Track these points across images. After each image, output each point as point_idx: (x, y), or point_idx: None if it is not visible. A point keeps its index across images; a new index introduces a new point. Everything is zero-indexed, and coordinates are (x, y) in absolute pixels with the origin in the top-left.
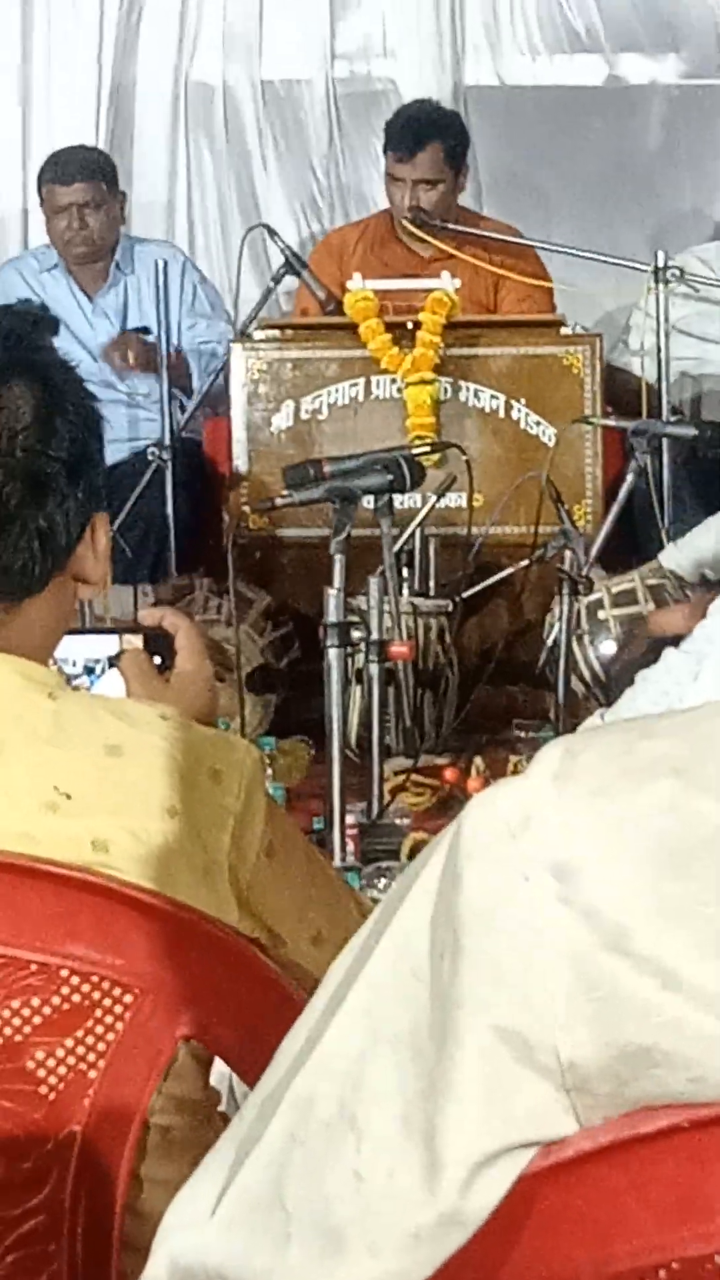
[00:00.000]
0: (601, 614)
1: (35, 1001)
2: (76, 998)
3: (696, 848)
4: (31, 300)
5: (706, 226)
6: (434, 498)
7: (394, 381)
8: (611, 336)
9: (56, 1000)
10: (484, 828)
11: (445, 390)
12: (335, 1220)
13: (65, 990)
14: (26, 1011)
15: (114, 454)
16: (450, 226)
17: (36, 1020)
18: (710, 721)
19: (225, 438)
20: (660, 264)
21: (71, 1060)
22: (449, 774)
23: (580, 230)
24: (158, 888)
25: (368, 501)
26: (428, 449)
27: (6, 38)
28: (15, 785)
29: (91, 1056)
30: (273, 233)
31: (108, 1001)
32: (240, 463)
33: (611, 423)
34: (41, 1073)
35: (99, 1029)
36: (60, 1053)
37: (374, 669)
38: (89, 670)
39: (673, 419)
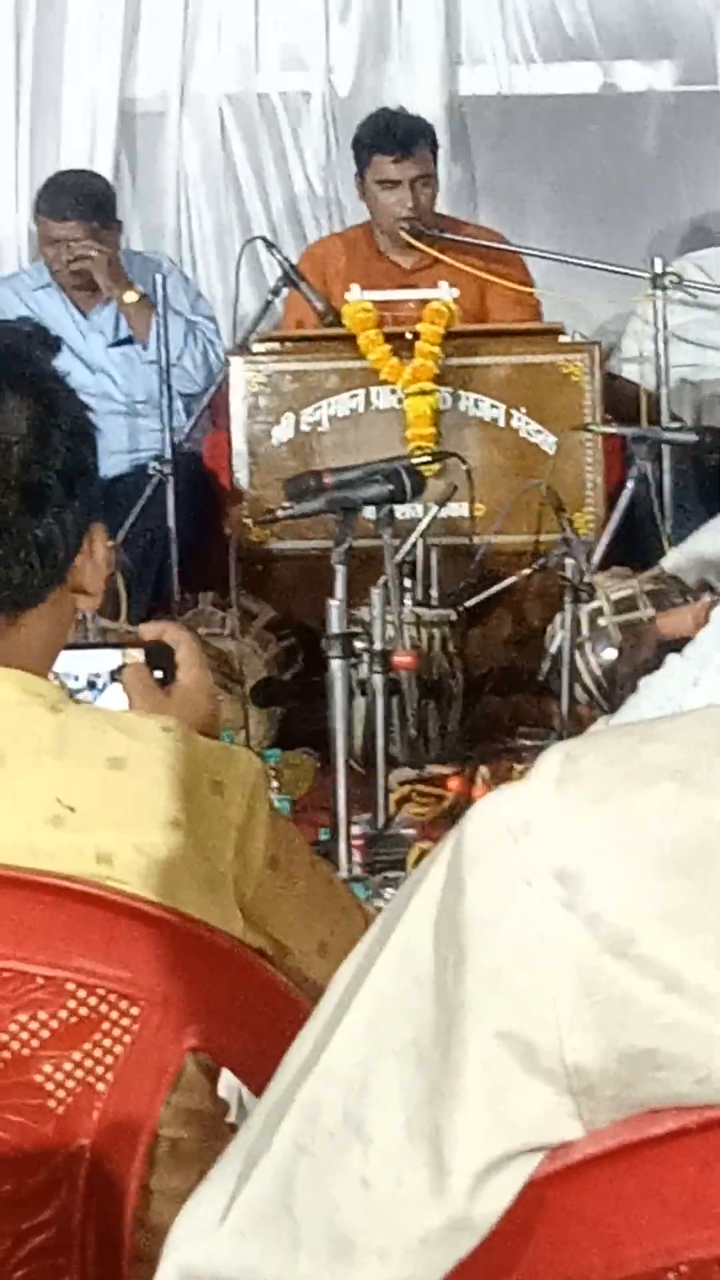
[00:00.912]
0: (602, 621)
1: (42, 1015)
2: (83, 1011)
3: (698, 851)
4: (29, 318)
5: (703, 233)
6: (435, 508)
7: (394, 392)
8: (609, 344)
9: (63, 1014)
10: (486, 834)
11: (445, 400)
12: (344, 1227)
13: (72, 1003)
14: (34, 1025)
15: (114, 466)
16: (446, 235)
17: (44, 1034)
18: (711, 725)
19: (225, 451)
20: (658, 271)
21: (79, 1073)
22: (454, 784)
23: (576, 238)
24: (162, 900)
25: (369, 512)
26: (428, 459)
27: (5, 56)
28: (19, 799)
29: (99, 1069)
30: (270, 245)
31: (114, 1014)
32: (241, 476)
33: (612, 430)
34: (50, 1086)
35: (106, 1042)
36: (68, 1066)
37: (377, 680)
38: (91, 685)
39: (673, 425)
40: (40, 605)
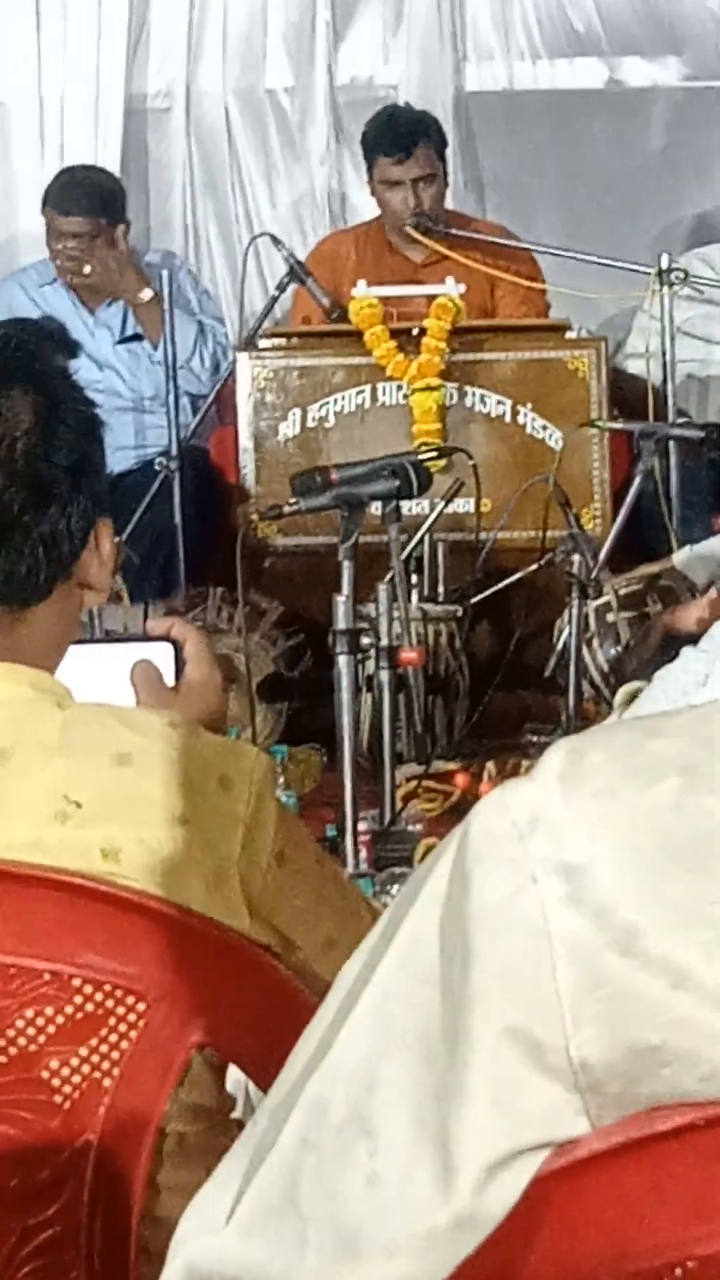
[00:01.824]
0: (610, 617)
1: (49, 1011)
2: (90, 1006)
3: (704, 846)
4: (53, 319)
5: (709, 228)
6: (441, 503)
7: (400, 388)
8: (613, 340)
9: (69, 1009)
10: (491, 829)
11: (451, 396)
12: (350, 1224)
13: (78, 999)
14: (40, 1021)
15: (121, 462)
16: (454, 231)
17: (50, 1030)
18: (717, 720)
19: (232, 447)
20: (664, 266)
21: (86, 1069)
22: (461, 780)
23: (582, 233)
24: (168, 896)
25: (375, 508)
26: (434, 455)
27: (25, 58)
28: (25, 795)
29: (106, 1065)
30: (277, 241)
31: (121, 1010)
32: (248, 471)
33: (618, 426)
34: (56, 1082)
35: (113, 1037)
36: (74, 1062)
37: (384, 675)
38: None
39: (679, 421)
40: (46, 601)
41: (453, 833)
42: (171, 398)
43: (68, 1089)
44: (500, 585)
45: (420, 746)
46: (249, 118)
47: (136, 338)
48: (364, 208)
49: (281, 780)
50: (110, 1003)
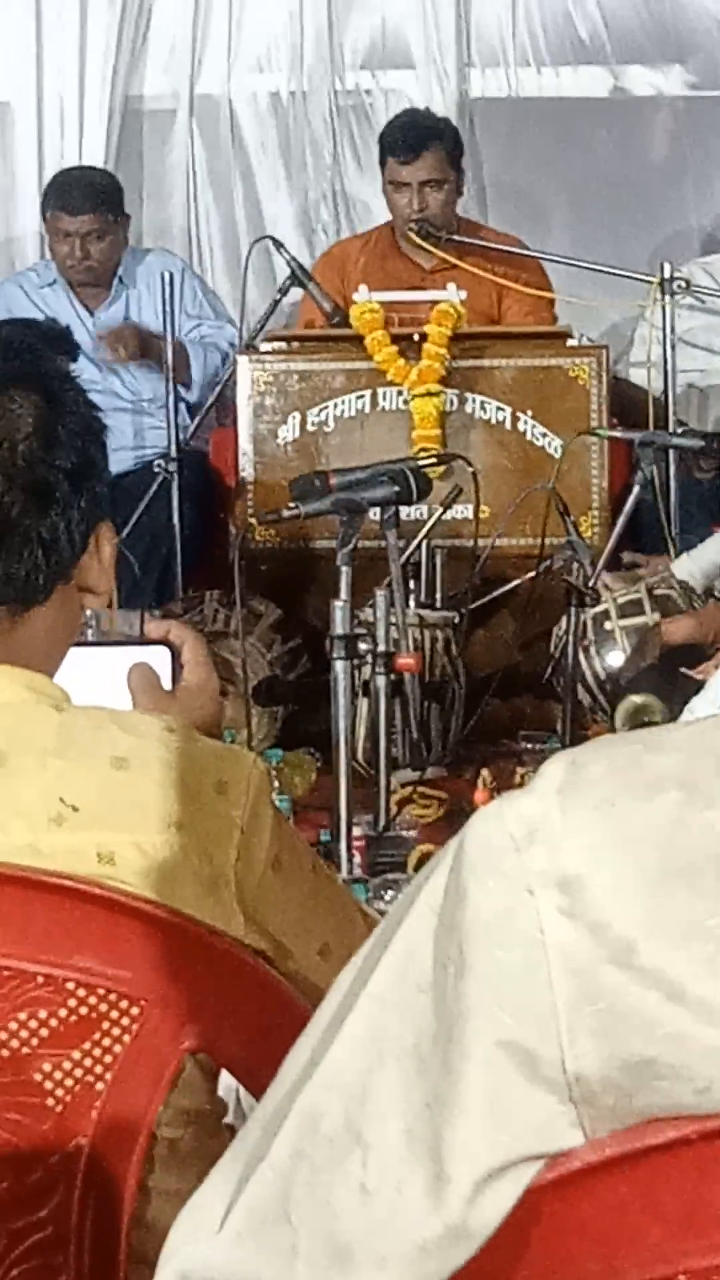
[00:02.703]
0: (608, 625)
1: (42, 1014)
2: (83, 1010)
3: (702, 862)
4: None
5: (712, 238)
6: (440, 509)
7: (400, 393)
8: (616, 348)
9: (63, 1013)
10: (488, 841)
11: (451, 402)
12: (342, 1235)
13: (72, 1003)
14: (34, 1024)
15: (120, 463)
16: (455, 238)
17: (44, 1033)
18: (716, 734)
19: (231, 449)
20: (666, 276)
21: (79, 1073)
22: (456, 786)
23: (585, 242)
24: (163, 900)
25: (374, 513)
26: (434, 461)
27: (23, 59)
28: (21, 798)
29: (99, 1069)
30: (279, 245)
31: (114, 1014)
32: (246, 475)
33: (618, 434)
34: (49, 1085)
35: (106, 1041)
36: (67, 1065)
37: (381, 681)
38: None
39: (679, 430)
40: (46, 603)
41: (449, 843)
42: (170, 399)
43: (60, 1092)
44: (498, 592)
45: (416, 752)
46: (252, 121)
47: None
48: (368, 212)
49: (276, 784)
50: (104, 1006)
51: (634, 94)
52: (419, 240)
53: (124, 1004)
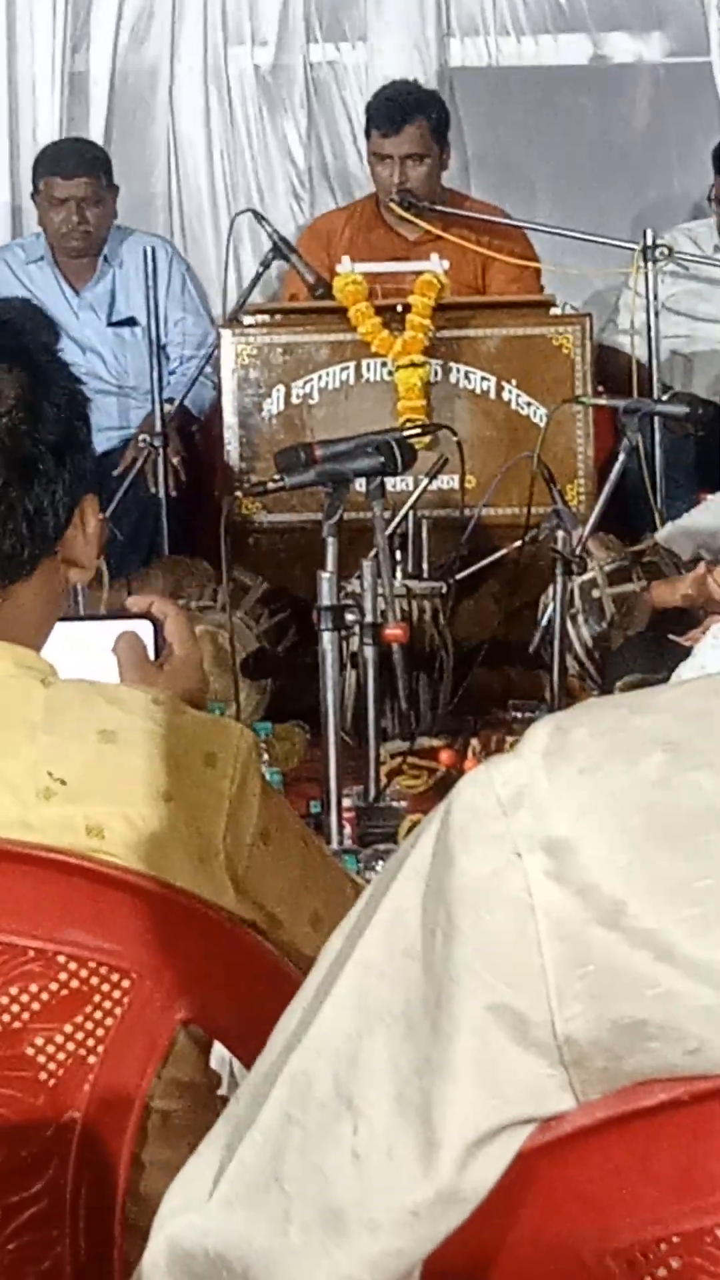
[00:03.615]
0: (595, 593)
1: (34, 988)
2: (75, 983)
3: (689, 822)
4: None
5: (694, 204)
6: (426, 480)
7: (384, 365)
8: (600, 316)
9: (55, 986)
10: (475, 805)
11: (435, 372)
12: (334, 1200)
13: (63, 976)
14: (25, 998)
15: (104, 442)
16: (437, 208)
17: (35, 1006)
18: (701, 696)
19: (218, 423)
20: (648, 242)
21: (71, 1046)
22: (445, 756)
23: (567, 210)
24: (153, 873)
25: (360, 485)
26: (419, 431)
27: None
28: (9, 772)
29: (90, 1042)
30: (260, 218)
31: (106, 987)
32: (231, 448)
33: (602, 402)
34: (41, 1059)
35: (98, 1014)
36: (59, 1039)
37: (369, 652)
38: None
39: (663, 397)
40: (31, 578)
41: (436, 809)
42: (154, 375)
43: (53, 1066)
44: (485, 562)
45: (404, 723)
46: (232, 92)
47: (129, 322)
48: (348, 184)
49: (266, 757)
50: (95, 980)
51: (615, 61)
52: (402, 211)
53: (115, 977)
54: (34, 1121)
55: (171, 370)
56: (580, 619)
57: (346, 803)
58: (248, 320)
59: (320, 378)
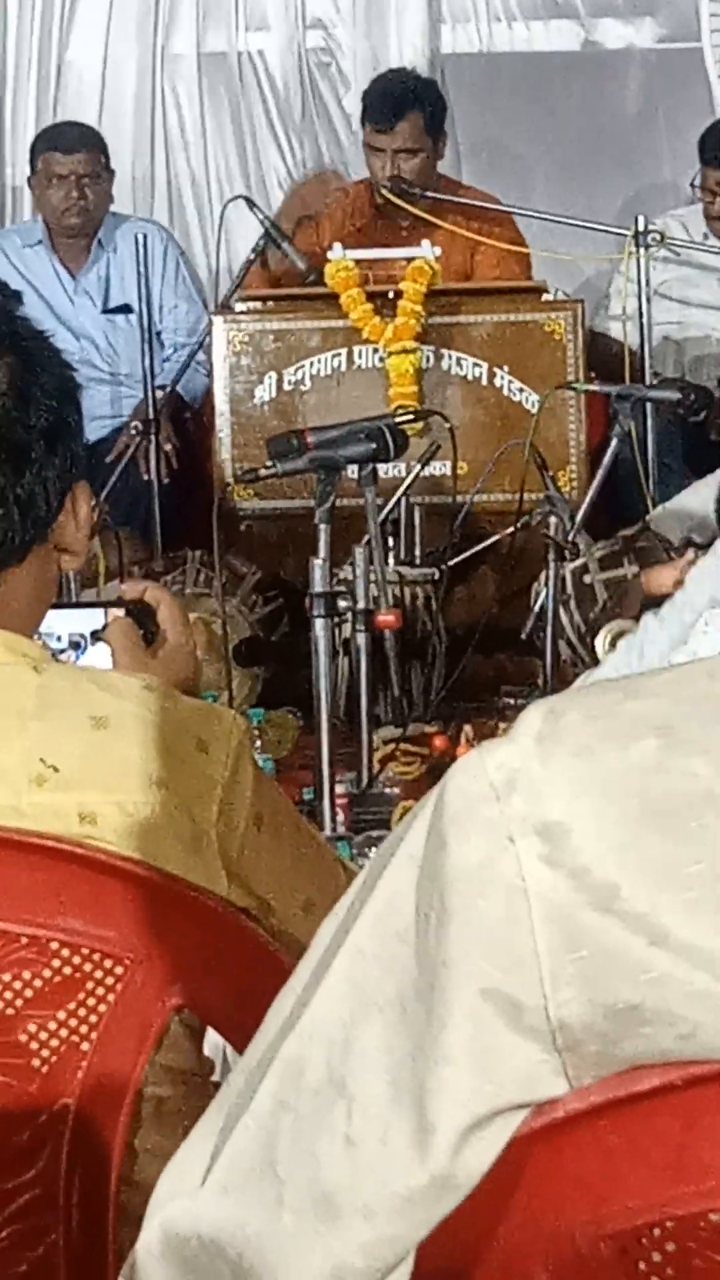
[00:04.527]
0: (587, 579)
1: (26, 974)
2: (68, 970)
3: (682, 806)
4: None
5: (685, 190)
6: (418, 466)
7: (376, 351)
8: (592, 302)
9: (47, 973)
10: (468, 790)
11: (427, 359)
12: (327, 1185)
13: (56, 963)
14: (18, 985)
15: (96, 431)
16: (429, 194)
17: (28, 993)
18: (695, 680)
19: (210, 410)
20: (640, 228)
21: (64, 1033)
22: (438, 742)
23: (559, 196)
24: (146, 859)
25: (352, 471)
26: (411, 418)
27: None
28: (1, 759)
29: (84, 1029)
30: (252, 204)
31: (99, 973)
32: (223, 435)
33: (595, 388)
34: (34, 1045)
35: (90, 1001)
36: (52, 1025)
37: (361, 639)
38: (74, 645)
39: (655, 383)
40: (22, 564)
41: (429, 794)
42: (146, 361)
43: (46, 1052)
44: (477, 548)
45: (397, 709)
46: (224, 79)
47: (123, 309)
48: (336, 168)
49: (258, 744)
50: (88, 966)
51: (606, 47)
52: (393, 199)
53: (108, 963)
54: (27, 1108)
55: (166, 357)
56: (572, 605)
57: (339, 789)
58: (239, 307)
59: (312, 364)
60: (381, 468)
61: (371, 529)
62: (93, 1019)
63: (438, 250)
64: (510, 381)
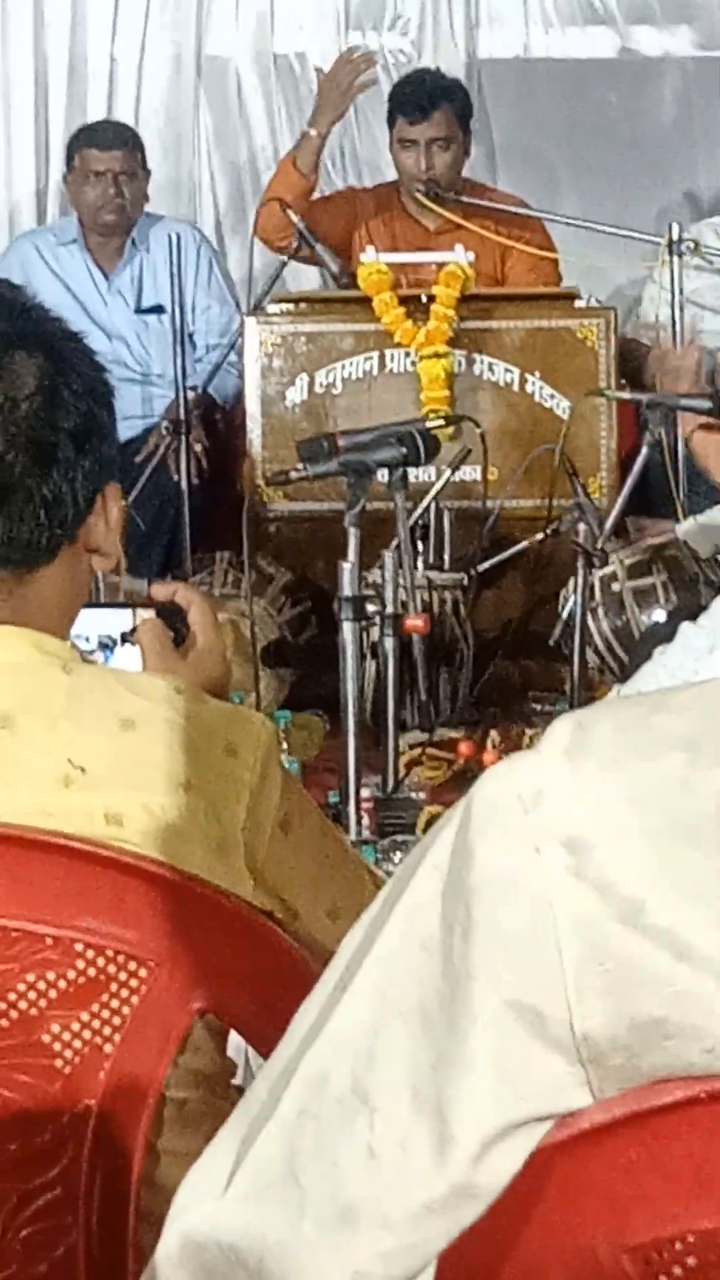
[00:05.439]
0: (615, 586)
1: (51, 975)
2: (92, 971)
3: (709, 821)
4: (46, 278)
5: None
6: (448, 471)
7: (408, 355)
8: (623, 309)
9: (72, 974)
10: (496, 801)
11: (459, 363)
12: (348, 1195)
13: (80, 964)
14: (42, 985)
15: (127, 430)
16: (463, 199)
17: (52, 994)
18: None
19: (241, 411)
20: (674, 236)
21: (87, 1034)
22: (464, 747)
23: (592, 202)
24: (172, 861)
25: (382, 475)
26: (442, 422)
27: (20, 14)
28: (30, 759)
29: (107, 1030)
30: (286, 206)
31: (123, 975)
32: (254, 437)
33: (626, 395)
34: (57, 1046)
35: (114, 1003)
36: (76, 1026)
37: (389, 643)
38: (104, 646)
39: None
40: (51, 564)
41: (457, 804)
42: (178, 362)
43: (69, 1054)
44: (506, 554)
45: (424, 714)
46: (261, 82)
47: (156, 309)
48: (377, 171)
49: (285, 746)
50: (112, 968)
51: (642, 54)
52: (426, 201)
53: (132, 965)
54: (50, 1109)
55: (198, 358)
56: (600, 612)
57: (365, 793)
58: (272, 309)
59: (344, 367)
60: (412, 472)
61: (401, 533)
62: (116, 1021)
63: (471, 255)
64: (541, 387)
